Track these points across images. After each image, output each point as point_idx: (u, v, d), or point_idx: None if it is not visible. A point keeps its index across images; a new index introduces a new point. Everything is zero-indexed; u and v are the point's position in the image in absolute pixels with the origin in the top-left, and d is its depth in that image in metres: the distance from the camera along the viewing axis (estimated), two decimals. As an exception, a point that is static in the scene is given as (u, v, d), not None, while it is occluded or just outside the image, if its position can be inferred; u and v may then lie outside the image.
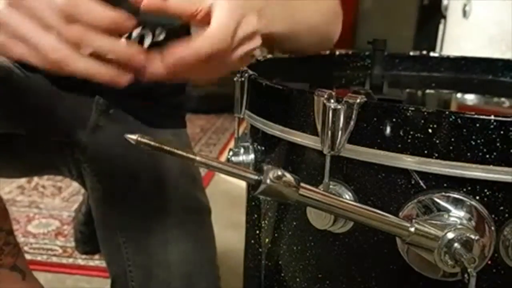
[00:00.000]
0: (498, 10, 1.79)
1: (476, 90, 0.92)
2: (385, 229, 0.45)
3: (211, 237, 0.98)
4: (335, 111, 0.48)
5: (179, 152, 0.42)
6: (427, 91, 0.93)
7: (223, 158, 1.60)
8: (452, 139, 0.45)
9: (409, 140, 0.47)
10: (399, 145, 0.47)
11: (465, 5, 1.82)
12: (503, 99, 0.90)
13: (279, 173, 0.41)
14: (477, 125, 0.44)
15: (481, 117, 0.44)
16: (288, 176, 0.42)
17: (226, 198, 1.85)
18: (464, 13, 1.82)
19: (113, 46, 0.51)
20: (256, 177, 0.42)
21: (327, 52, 0.92)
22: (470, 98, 0.91)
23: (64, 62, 0.50)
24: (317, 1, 0.83)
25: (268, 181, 0.41)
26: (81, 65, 0.50)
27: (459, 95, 0.92)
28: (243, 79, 0.63)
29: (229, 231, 1.38)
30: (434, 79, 0.94)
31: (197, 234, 0.96)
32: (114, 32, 0.51)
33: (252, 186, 0.43)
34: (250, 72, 0.63)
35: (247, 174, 0.42)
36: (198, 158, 0.41)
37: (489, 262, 0.47)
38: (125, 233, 0.92)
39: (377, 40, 0.74)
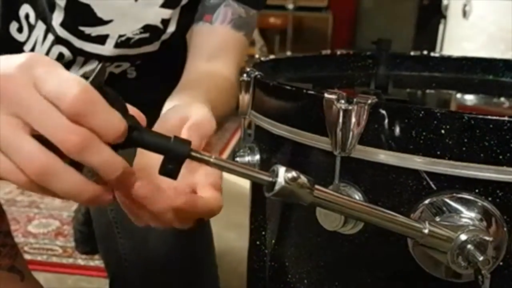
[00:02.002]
0: (498, 10, 1.79)
1: (476, 90, 0.92)
2: (399, 231, 0.45)
3: (209, 237, 0.98)
4: (346, 111, 0.48)
5: (194, 153, 0.42)
6: (428, 91, 0.93)
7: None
8: (465, 140, 0.45)
9: (420, 141, 0.47)
10: (411, 146, 0.47)
11: (465, 5, 1.83)
12: (503, 99, 0.90)
13: (294, 174, 0.41)
14: (490, 126, 0.44)
15: (494, 118, 0.44)
16: (303, 178, 0.42)
17: (226, 198, 1.83)
18: (464, 13, 1.83)
19: (114, 165, 0.42)
20: (270, 179, 0.42)
21: (328, 52, 0.92)
22: (470, 98, 0.91)
23: (46, 176, 0.40)
24: (223, 91, 0.81)
25: (283, 182, 0.41)
26: (68, 180, 0.41)
27: (459, 95, 0.92)
28: (249, 79, 0.63)
29: (229, 231, 1.38)
30: (435, 79, 0.94)
31: (196, 234, 0.95)
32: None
33: (266, 188, 0.42)
34: (256, 72, 0.63)
35: (261, 175, 0.42)
36: (212, 159, 0.41)
37: (501, 263, 0.47)
38: (123, 233, 0.91)
39: (382, 40, 0.74)
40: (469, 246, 0.44)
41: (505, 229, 0.46)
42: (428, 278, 0.49)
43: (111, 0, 0.81)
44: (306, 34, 4.12)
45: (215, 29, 0.84)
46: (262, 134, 0.63)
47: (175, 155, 0.41)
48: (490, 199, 0.46)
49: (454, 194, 0.47)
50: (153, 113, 0.98)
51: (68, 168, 0.40)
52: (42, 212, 1.77)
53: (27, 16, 0.83)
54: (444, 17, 2.00)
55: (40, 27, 0.83)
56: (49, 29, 0.84)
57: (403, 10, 3.71)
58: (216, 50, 0.86)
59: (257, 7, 0.87)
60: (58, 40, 0.84)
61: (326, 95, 0.49)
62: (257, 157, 0.64)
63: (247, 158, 0.64)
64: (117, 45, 0.85)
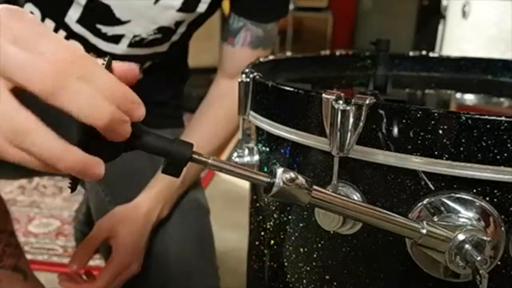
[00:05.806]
0: (497, 11, 1.79)
1: (475, 90, 0.92)
2: (397, 231, 0.45)
3: (209, 237, 0.98)
4: (344, 112, 0.48)
5: (194, 155, 0.42)
6: (427, 91, 0.93)
7: (223, 158, 1.60)
8: (463, 140, 0.45)
9: (418, 141, 0.47)
10: (409, 146, 0.47)
11: (464, 6, 1.83)
12: (502, 99, 0.90)
13: (292, 175, 0.41)
14: (488, 126, 0.44)
15: (492, 118, 0.44)
16: (301, 179, 0.42)
17: (226, 198, 1.85)
18: (464, 14, 1.83)
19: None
20: (268, 180, 0.42)
21: (327, 52, 0.92)
22: (470, 98, 0.91)
23: (20, 136, 0.37)
24: (219, 129, 0.98)
25: (281, 183, 0.41)
26: (44, 143, 0.37)
27: (458, 95, 0.92)
28: (248, 80, 0.63)
29: (228, 231, 1.38)
30: (434, 79, 0.94)
31: (196, 234, 0.95)
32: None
33: (264, 189, 0.42)
34: (255, 73, 0.63)
35: (259, 176, 0.42)
36: (210, 161, 0.41)
37: (499, 263, 0.47)
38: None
39: (381, 40, 0.74)
40: (467, 246, 0.44)
41: (502, 229, 0.47)
42: (426, 278, 0.49)
43: (130, 1, 0.83)
44: (306, 35, 4.11)
45: (236, 51, 0.97)
46: (261, 135, 0.63)
47: (176, 158, 0.42)
48: (488, 199, 0.46)
49: (452, 194, 0.47)
50: (157, 114, 0.99)
51: (47, 130, 0.37)
52: (43, 212, 1.78)
53: None
54: (444, 17, 2.00)
55: (48, 25, 0.84)
56: (60, 25, 0.85)
57: (402, 11, 3.71)
58: (236, 69, 0.94)
59: (274, 20, 0.98)
60: (72, 36, 0.85)
61: (324, 95, 0.49)
62: (256, 157, 0.64)
63: (246, 159, 0.65)
64: (130, 45, 0.88)
